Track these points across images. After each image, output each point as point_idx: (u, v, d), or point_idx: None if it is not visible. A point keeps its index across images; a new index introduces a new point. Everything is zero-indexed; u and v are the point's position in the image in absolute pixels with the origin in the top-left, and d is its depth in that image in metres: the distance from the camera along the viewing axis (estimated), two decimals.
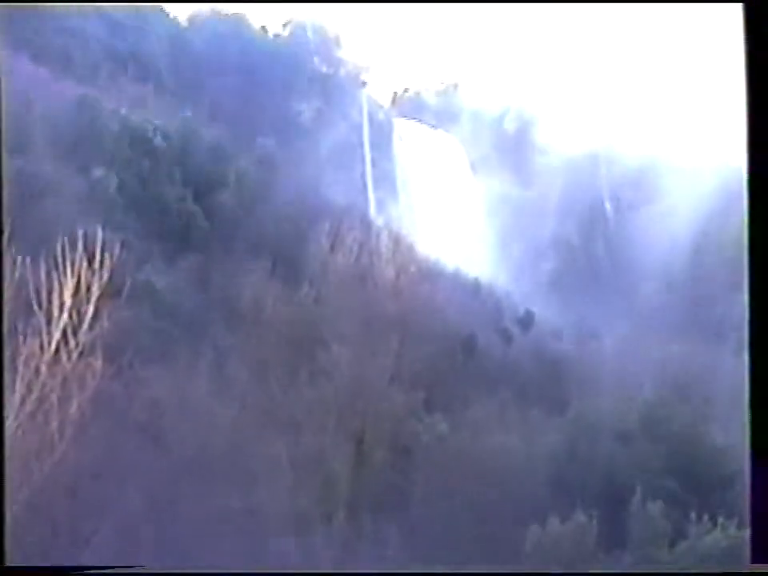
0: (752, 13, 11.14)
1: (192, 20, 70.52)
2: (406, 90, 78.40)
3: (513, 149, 71.50)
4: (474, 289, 57.87)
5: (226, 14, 71.60)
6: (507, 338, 52.38)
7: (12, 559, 13.72)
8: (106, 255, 16.64)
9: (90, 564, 18.51)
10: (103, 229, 17.77)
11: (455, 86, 78.61)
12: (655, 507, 29.73)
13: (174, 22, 69.42)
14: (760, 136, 11.11)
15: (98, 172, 46.09)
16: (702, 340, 53.54)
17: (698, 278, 63.98)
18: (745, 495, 32.57)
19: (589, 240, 72.55)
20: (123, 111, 51.17)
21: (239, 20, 71.63)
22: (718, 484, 31.35)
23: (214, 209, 49.84)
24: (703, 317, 59.18)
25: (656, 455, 32.53)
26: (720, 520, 28.51)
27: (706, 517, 28.73)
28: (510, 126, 73.66)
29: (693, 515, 28.91)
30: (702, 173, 69.69)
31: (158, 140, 51.70)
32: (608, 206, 74.46)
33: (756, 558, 11.59)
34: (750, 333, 11.57)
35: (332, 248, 33.02)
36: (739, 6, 11.31)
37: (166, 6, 67.89)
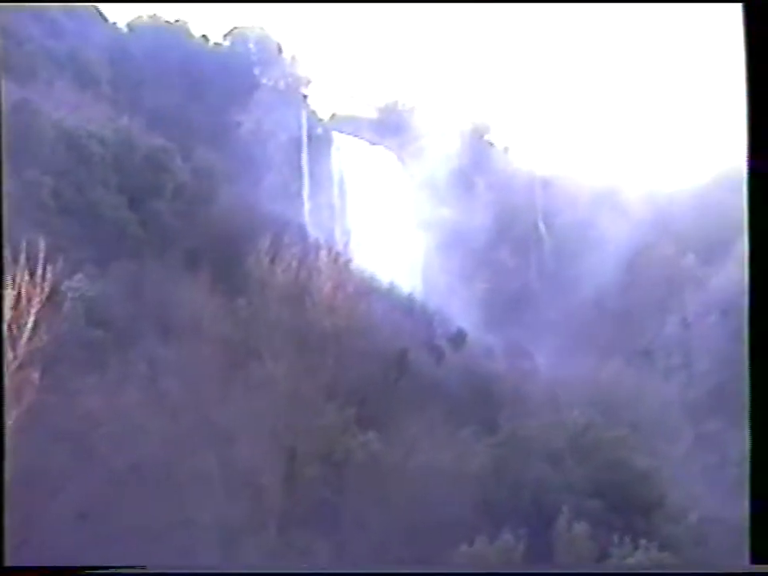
0: (752, 13, 11.19)
1: (132, 26, 69.94)
2: (346, 106, 78.73)
3: (451, 168, 72.05)
4: (408, 306, 58.13)
5: (167, 21, 71.10)
6: (439, 355, 52.65)
7: (12, 559, 13.58)
8: (48, 268, 16.57)
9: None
10: (35, 234, 17.64)
11: (395, 103, 79.06)
12: (581, 528, 30.25)
13: (114, 28, 68.77)
14: (760, 137, 11.23)
15: (32, 176, 45.55)
16: (630, 362, 54.51)
17: (629, 301, 65.09)
18: (665, 519, 33.24)
19: (522, 261, 73.39)
20: (60, 116, 50.62)
21: (180, 28, 71.20)
22: (642, 507, 32.03)
23: (150, 217, 49.50)
24: (632, 340, 60.24)
25: (583, 477, 33.09)
26: (642, 542, 29.18)
27: (628, 539, 29.37)
28: (449, 145, 74.23)
29: (616, 537, 29.52)
30: (632, 197, 71.07)
31: (94, 146, 51.25)
32: (542, 227, 75.42)
33: (756, 558, 11.82)
34: (750, 338, 11.77)
35: (271, 262, 33.05)
36: (739, 6, 11.37)
37: (104, 10, 67.28)
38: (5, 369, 15.05)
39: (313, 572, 14.34)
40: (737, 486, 42.57)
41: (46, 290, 16.21)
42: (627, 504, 31.83)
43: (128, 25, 69.86)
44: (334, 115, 77.00)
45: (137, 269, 44.07)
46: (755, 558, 11.90)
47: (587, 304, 65.15)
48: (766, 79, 11.16)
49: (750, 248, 11.64)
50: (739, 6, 11.45)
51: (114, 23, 69.03)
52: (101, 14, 67.66)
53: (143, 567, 11.40)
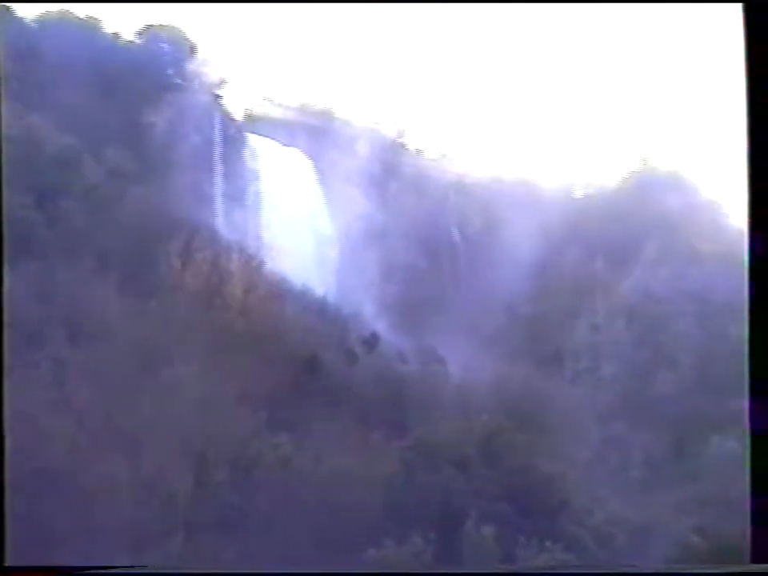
0: (752, 12, 11.27)
1: (41, 22, 68.51)
2: (260, 107, 78.19)
3: (365, 171, 72.13)
4: (321, 309, 57.99)
5: (78, 18, 69.81)
6: (352, 358, 52.63)
7: (12, 559, 13.25)
8: None
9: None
10: None
11: (309, 104, 78.88)
12: (488, 531, 30.61)
13: (22, 23, 67.24)
14: (760, 136, 11.34)
15: None
16: (540, 367, 55.19)
17: (539, 306, 65.91)
18: (570, 521, 33.76)
19: (435, 265, 73.75)
20: None
21: (91, 25, 69.99)
22: (548, 510, 32.50)
23: (58, 217, 48.68)
24: (542, 344, 60.99)
25: (491, 481, 33.43)
26: (547, 544, 29.68)
27: (534, 541, 29.85)
28: (363, 148, 74.28)
29: (522, 539, 29.97)
30: (545, 202, 72.01)
31: (0, 144, 50.31)
32: (455, 231, 75.90)
33: (756, 558, 11.97)
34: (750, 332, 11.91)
35: (182, 266, 32.84)
36: (739, 6, 11.46)
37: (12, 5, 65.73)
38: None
39: (313, 572, 14.27)
40: (640, 487, 43.47)
41: None
42: (534, 507, 32.26)
43: (37, 20, 68.44)
44: (247, 116, 76.47)
45: (43, 269, 43.31)
46: (755, 558, 12.09)
47: (498, 308, 65.76)
48: (765, 81, 11.28)
49: (749, 252, 11.80)
50: (739, 7, 11.62)
51: (22, 18, 67.53)
52: (7, 8, 66.09)
53: (142, 567, 11.26)
